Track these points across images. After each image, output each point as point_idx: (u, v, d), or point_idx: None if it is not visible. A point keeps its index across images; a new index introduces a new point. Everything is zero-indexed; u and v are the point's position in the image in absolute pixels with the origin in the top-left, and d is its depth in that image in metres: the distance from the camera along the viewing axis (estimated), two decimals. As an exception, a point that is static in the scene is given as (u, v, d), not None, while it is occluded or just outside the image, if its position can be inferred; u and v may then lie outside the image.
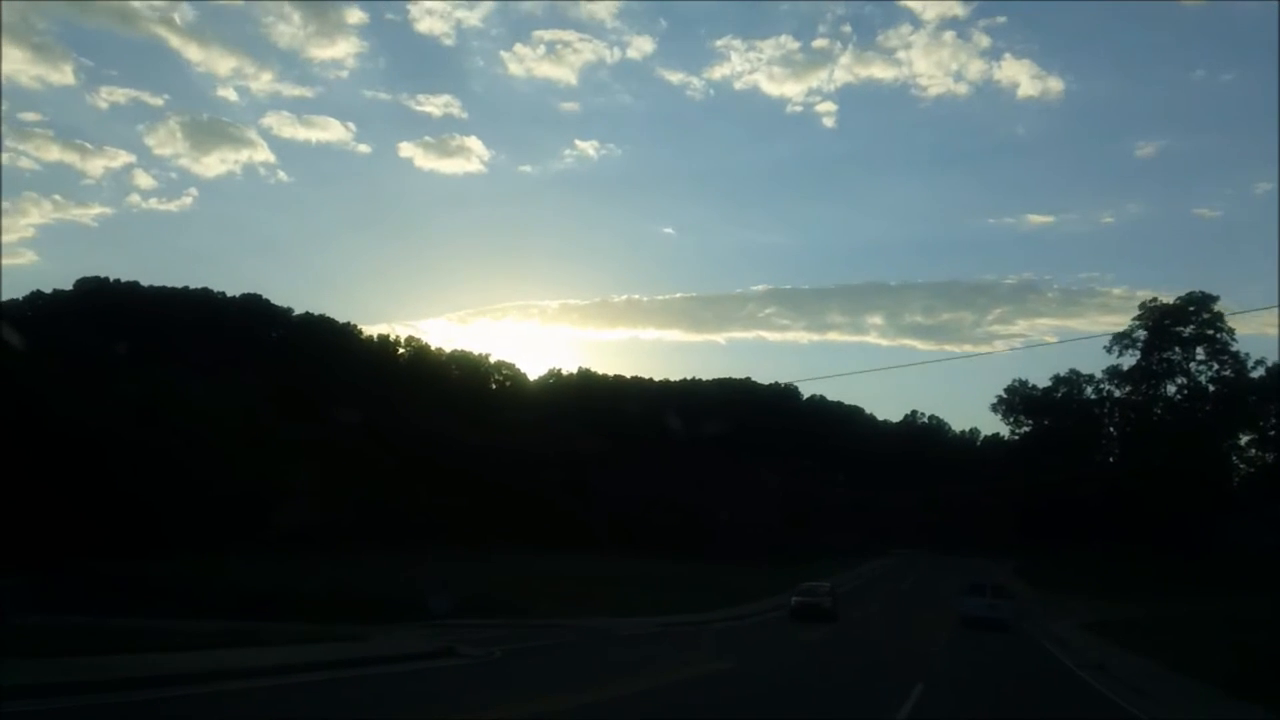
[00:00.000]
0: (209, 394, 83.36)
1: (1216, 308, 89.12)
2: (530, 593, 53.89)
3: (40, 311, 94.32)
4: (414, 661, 22.72)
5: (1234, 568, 67.34)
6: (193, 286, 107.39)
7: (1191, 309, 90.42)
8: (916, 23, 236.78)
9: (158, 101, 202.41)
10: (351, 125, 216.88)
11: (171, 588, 48.47)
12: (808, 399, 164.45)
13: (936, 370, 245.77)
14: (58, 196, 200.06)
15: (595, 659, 27.31)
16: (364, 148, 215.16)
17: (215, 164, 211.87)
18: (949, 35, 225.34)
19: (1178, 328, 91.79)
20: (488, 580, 58.87)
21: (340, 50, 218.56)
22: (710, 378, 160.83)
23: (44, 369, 74.52)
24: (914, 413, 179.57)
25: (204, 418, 79.45)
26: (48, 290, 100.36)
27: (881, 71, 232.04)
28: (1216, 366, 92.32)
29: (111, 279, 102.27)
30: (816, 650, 33.42)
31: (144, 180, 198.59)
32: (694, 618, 47.40)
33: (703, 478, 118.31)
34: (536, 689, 19.94)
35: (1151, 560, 77.39)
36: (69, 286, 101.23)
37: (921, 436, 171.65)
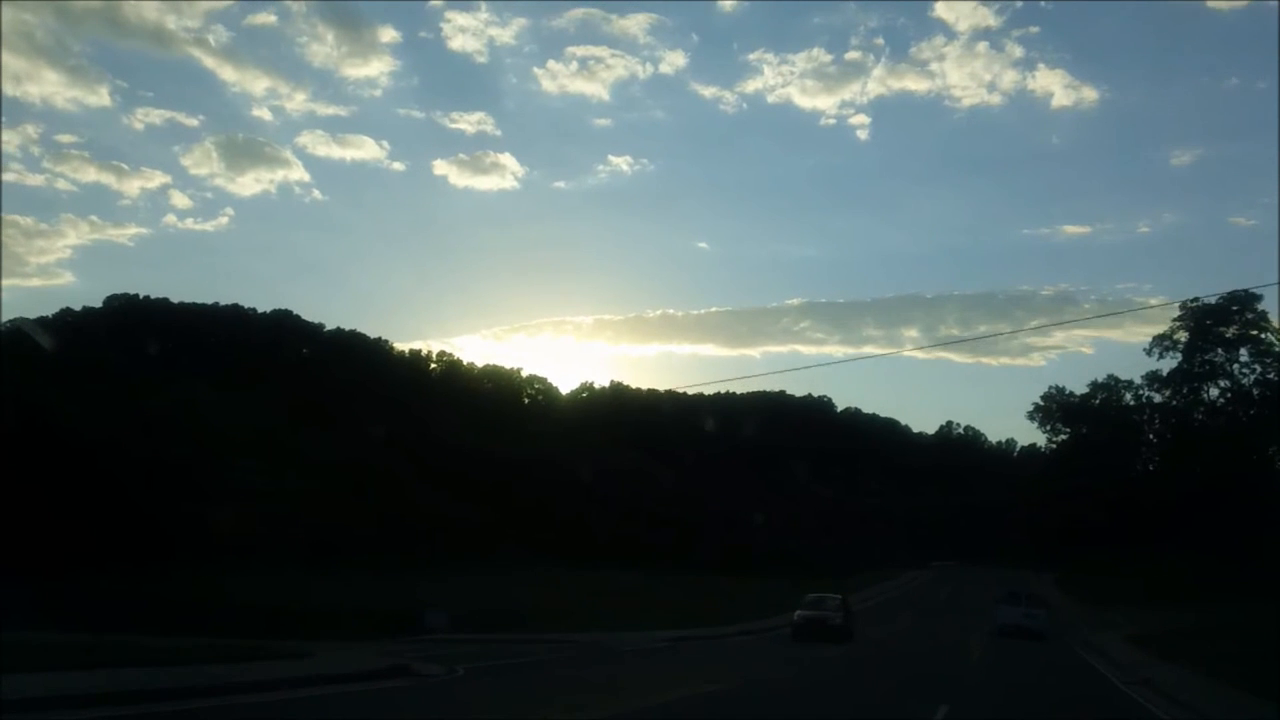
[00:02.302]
0: (233, 408, 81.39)
1: (1260, 307, 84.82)
2: (549, 605, 51.11)
3: (68, 328, 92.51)
4: (351, 683, 19.48)
5: (1283, 575, 62.94)
6: (224, 303, 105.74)
7: (1235, 308, 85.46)
8: (949, 34, 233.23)
9: (193, 122, 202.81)
10: (385, 143, 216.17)
11: (169, 602, 45.94)
12: (842, 411, 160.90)
13: (972, 382, 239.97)
14: (94, 217, 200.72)
15: (574, 677, 23.93)
16: (398, 165, 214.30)
17: (250, 183, 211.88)
18: (982, 46, 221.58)
19: (1220, 328, 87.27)
20: (508, 593, 56.25)
21: (374, 69, 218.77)
22: (745, 391, 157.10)
23: (64, 383, 73.15)
24: (949, 423, 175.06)
25: (225, 432, 77.67)
26: (79, 309, 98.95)
27: (914, 83, 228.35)
28: (1260, 369, 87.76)
29: (141, 296, 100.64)
30: (832, 667, 29.83)
31: (180, 200, 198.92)
32: (711, 631, 44.07)
33: (736, 490, 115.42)
34: (476, 716, 16.66)
35: (1197, 569, 72.82)
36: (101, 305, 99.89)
37: (958, 447, 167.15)
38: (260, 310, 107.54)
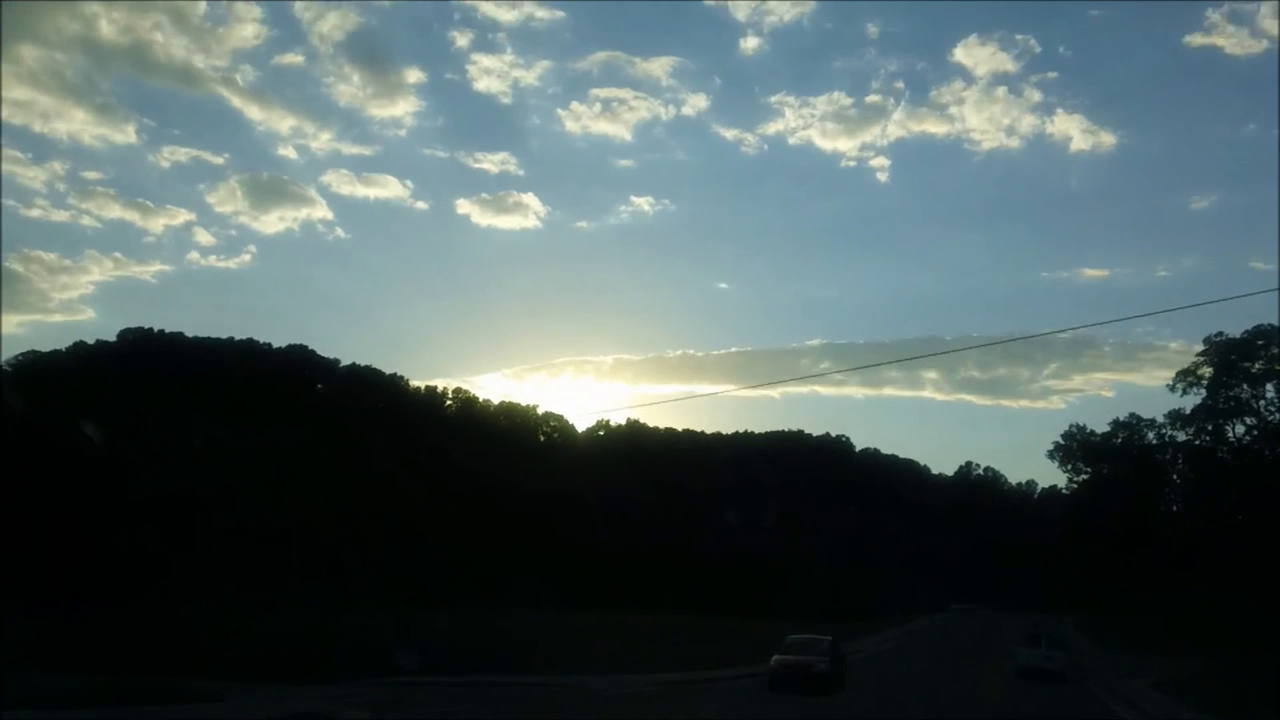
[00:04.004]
0: (245, 442, 78.93)
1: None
2: (551, 644, 47.64)
3: (81, 362, 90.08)
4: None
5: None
6: (238, 338, 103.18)
7: (1260, 343, 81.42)
8: (968, 78, 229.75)
9: (219, 160, 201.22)
10: (409, 183, 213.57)
11: (151, 638, 42.98)
12: (861, 451, 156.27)
13: (992, 424, 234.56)
14: (118, 254, 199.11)
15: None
16: (421, 205, 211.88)
17: (274, 221, 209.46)
18: (1001, 90, 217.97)
19: (1245, 363, 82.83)
20: (511, 631, 52.87)
21: (399, 109, 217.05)
22: (762, 431, 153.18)
23: (72, 415, 71.34)
24: (969, 464, 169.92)
25: (235, 465, 75.31)
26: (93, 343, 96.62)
27: (934, 126, 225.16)
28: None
29: (156, 329, 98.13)
30: (823, 713, 26.04)
31: (204, 238, 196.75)
32: (707, 675, 40.32)
33: (753, 531, 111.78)
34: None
35: (1225, 612, 68.49)
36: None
37: (977, 489, 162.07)
38: (277, 346, 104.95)
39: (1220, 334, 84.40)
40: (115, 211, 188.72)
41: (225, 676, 32.01)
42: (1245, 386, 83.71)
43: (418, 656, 34.94)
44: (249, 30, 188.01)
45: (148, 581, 58.99)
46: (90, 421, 68.89)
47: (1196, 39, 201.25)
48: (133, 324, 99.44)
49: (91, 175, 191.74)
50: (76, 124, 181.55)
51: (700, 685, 36.46)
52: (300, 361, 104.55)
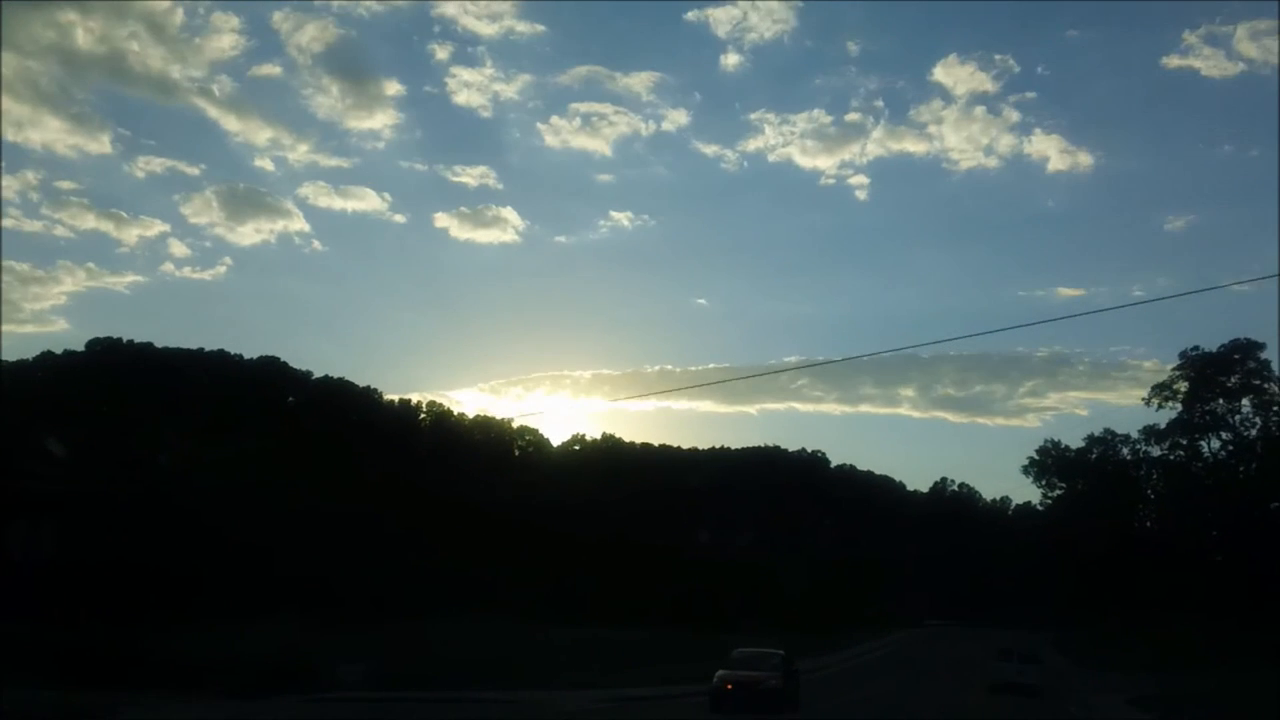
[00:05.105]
0: (212, 453, 76.87)
1: (1263, 355, 79.15)
2: (509, 659, 45.60)
3: (48, 373, 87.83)
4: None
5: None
6: (209, 349, 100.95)
7: (1236, 356, 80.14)
8: (947, 98, 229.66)
9: (194, 171, 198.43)
10: (387, 195, 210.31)
11: (107, 653, 40.98)
12: (836, 467, 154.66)
13: (967, 442, 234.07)
14: (91, 264, 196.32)
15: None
16: (399, 218, 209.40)
17: (250, 233, 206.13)
18: (979, 110, 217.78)
19: (1221, 377, 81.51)
20: (477, 645, 50.99)
21: (378, 121, 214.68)
22: (739, 446, 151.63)
23: (35, 429, 69.37)
24: (944, 480, 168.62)
25: (202, 477, 73.25)
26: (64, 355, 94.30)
27: (913, 145, 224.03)
28: (1260, 421, 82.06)
29: (125, 340, 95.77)
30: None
31: (178, 249, 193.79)
32: (670, 690, 38.41)
33: (728, 546, 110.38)
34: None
35: (1200, 630, 67.08)
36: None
37: (952, 505, 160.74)
38: (249, 358, 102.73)
39: (1196, 348, 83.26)
40: (89, 222, 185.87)
41: (170, 690, 30.20)
42: (1221, 401, 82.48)
43: (361, 671, 33.00)
44: (226, 41, 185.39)
45: (109, 596, 57.19)
46: (54, 433, 67.11)
47: (1173, 61, 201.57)
48: (106, 335, 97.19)
49: (65, 185, 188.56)
50: (51, 133, 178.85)
51: (658, 701, 34.63)
52: (272, 373, 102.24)
